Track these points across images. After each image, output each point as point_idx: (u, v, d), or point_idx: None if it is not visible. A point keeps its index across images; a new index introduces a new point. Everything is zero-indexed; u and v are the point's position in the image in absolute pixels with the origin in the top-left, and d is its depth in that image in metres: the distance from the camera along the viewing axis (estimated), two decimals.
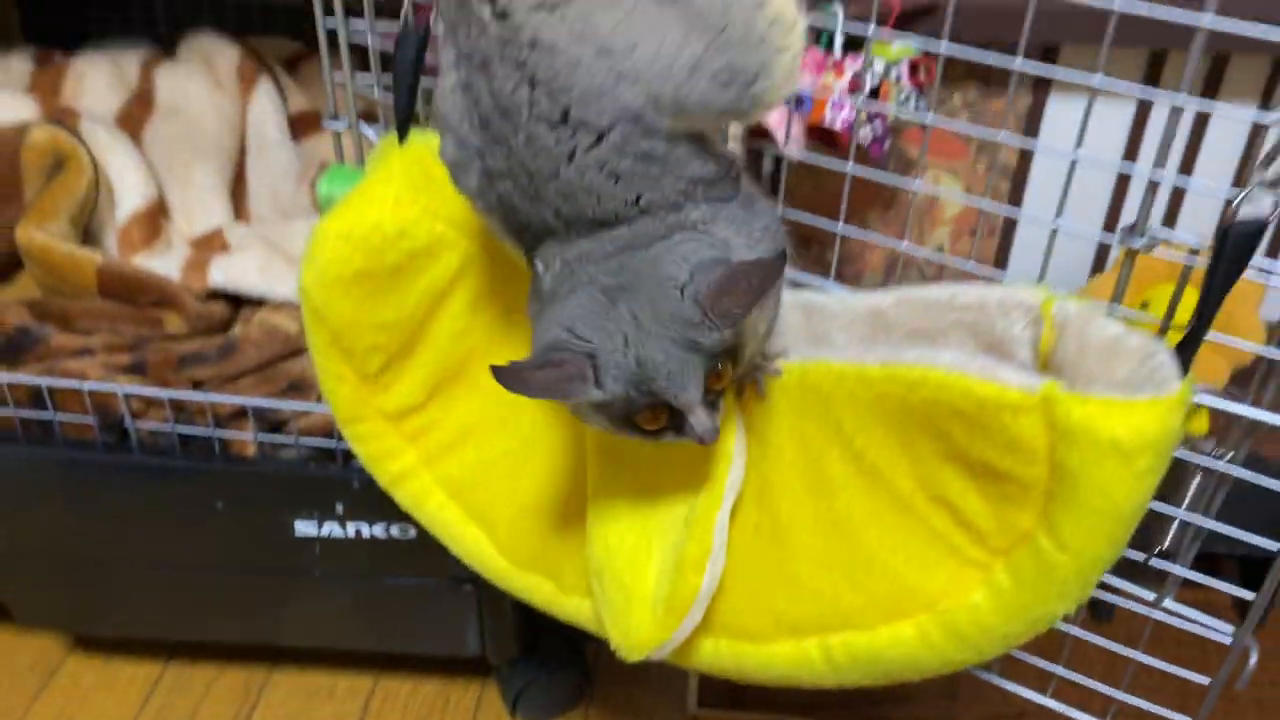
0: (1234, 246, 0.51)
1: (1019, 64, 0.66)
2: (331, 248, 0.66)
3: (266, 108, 1.24)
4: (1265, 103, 1.23)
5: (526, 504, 0.74)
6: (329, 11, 0.76)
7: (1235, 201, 0.49)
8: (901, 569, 0.62)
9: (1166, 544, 0.81)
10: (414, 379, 0.71)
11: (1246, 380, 1.03)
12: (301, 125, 1.27)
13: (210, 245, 1.14)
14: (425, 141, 0.68)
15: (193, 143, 1.22)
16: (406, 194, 0.67)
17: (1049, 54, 1.24)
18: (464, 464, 0.74)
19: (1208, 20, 0.53)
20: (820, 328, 0.70)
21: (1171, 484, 0.58)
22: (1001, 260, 1.39)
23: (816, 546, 0.65)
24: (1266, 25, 0.54)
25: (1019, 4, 1.05)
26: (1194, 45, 0.55)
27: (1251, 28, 0.54)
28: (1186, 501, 0.75)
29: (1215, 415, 1.43)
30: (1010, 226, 1.36)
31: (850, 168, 0.81)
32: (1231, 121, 1.23)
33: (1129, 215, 1.32)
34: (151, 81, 1.25)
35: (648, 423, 0.57)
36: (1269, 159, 0.50)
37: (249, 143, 1.25)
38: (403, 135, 0.69)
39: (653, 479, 0.68)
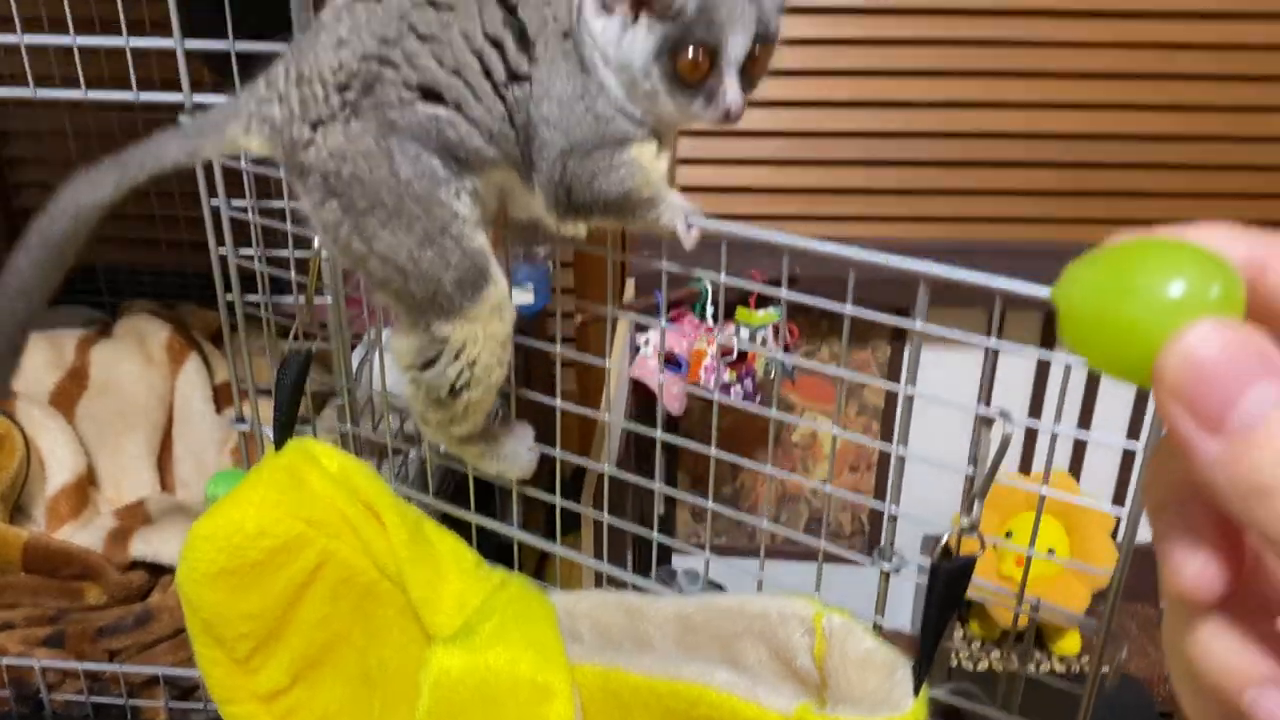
0: (945, 584, 0.58)
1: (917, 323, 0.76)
2: (198, 548, 0.74)
3: (194, 381, 1.36)
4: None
5: None
6: (228, 286, 0.87)
7: (939, 545, 0.58)
8: None
9: None
10: (280, 663, 0.78)
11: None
12: (225, 395, 1.38)
13: (134, 515, 1.23)
14: (299, 447, 0.78)
15: (123, 415, 1.32)
16: (271, 496, 0.76)
17: (901, 312, 1.37)
18: None
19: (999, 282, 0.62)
20: (641, 628, 0.77)
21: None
22: (880, 492, 1.49)
23: None
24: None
25: (873, 275, 1.19)
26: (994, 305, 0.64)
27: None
28: None
29: (1085, 636, 1.50)
30: (885, 461, 1.47)
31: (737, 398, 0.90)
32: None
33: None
34: (87, 359, 1.36)
35: (689, 69, 0.60)
36: (969, 504, 0.58)
37: (176, 414, 1.36)
38: (280, 445, 0.79)
39: None
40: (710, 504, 0.76)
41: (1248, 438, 0.27)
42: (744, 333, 1.30)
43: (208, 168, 0.80)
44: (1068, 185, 1.65)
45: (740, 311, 1.36)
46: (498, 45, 0.63)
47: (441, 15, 0.63)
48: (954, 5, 1.55)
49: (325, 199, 0.66)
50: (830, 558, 0.73)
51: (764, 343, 1.34)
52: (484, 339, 0.69)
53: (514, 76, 0.64)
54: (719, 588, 1.49)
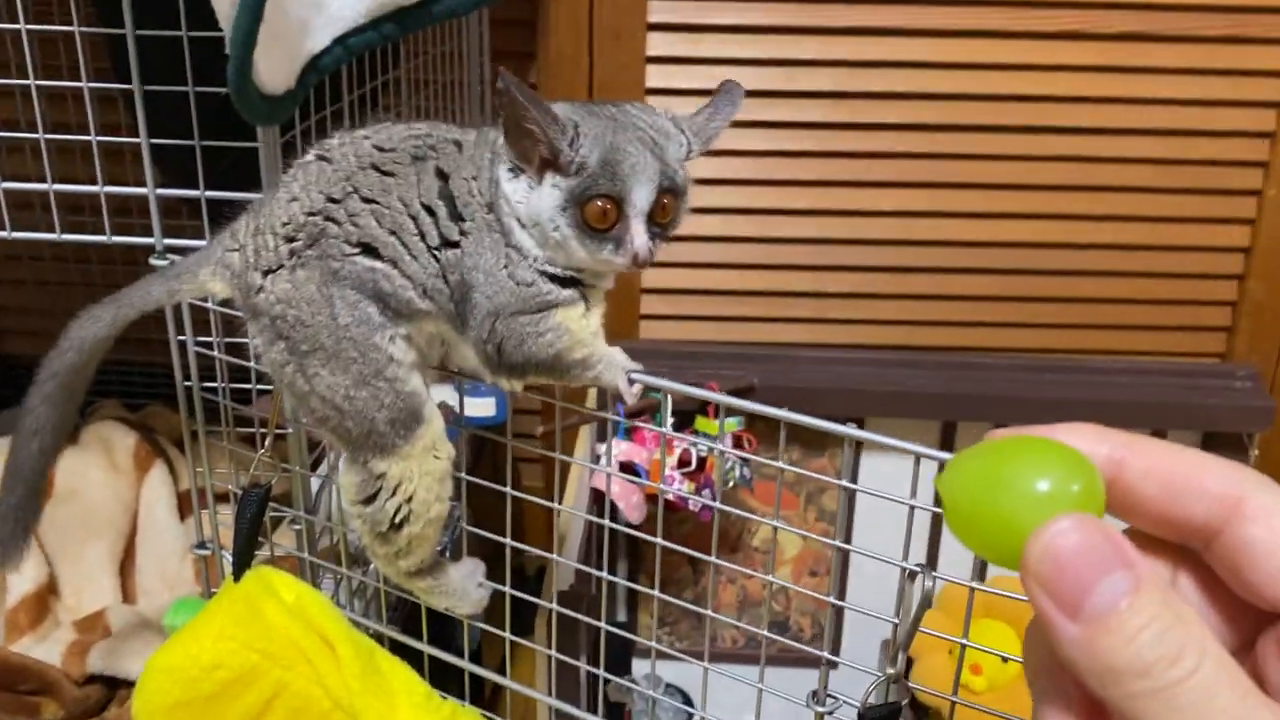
0: None
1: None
2: (154, 680, 0.76)
3: (159, 490, 1.37)
4: None
5: None
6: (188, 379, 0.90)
7: (866, 692, 0.61)
8: None
9: None
10: None
11: None
12: (190, 503, 1.39)
13: (93, 628, 1.23)
14: (257, 578, 0.80)
15: (87, 524, 1.33)
16: (228, 628, 0.78)
17: (856, 422, 1.41)
18: None
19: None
20: None
21: None
22: (841, 594, 1.51)
23: None
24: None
25: (827, 386, 1.22)
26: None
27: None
28: None
29: None
30: (845, 566, 1.49)
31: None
32: None
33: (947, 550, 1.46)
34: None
35: (597, 218, 0.65)
36: (893, 656, 0.60)
37: (140, 522, 1.37)
38: (238, 576, 0.81)
39: None
40: (658, 593, 0.78)
41: (1101, 623, 0.30)
42: (703, 444, 1.33)
43: (175, 305, 0.83)
44: (1014, 291, 1.71)
45: (699, 420, 1.40)
46: (432, 213, 0.69)
47: (384, 180, 0.69)
48: (906, 120, 1.62)
49: (274, 340, 0.71)
50: (778, 660, 0.75)
51: (722, 454, 1.37)
52: (419, 475, 0.72)
53: (446, 242, 0.69)
54: (681, 693, 1.50)
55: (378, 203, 0.69)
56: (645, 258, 0.66)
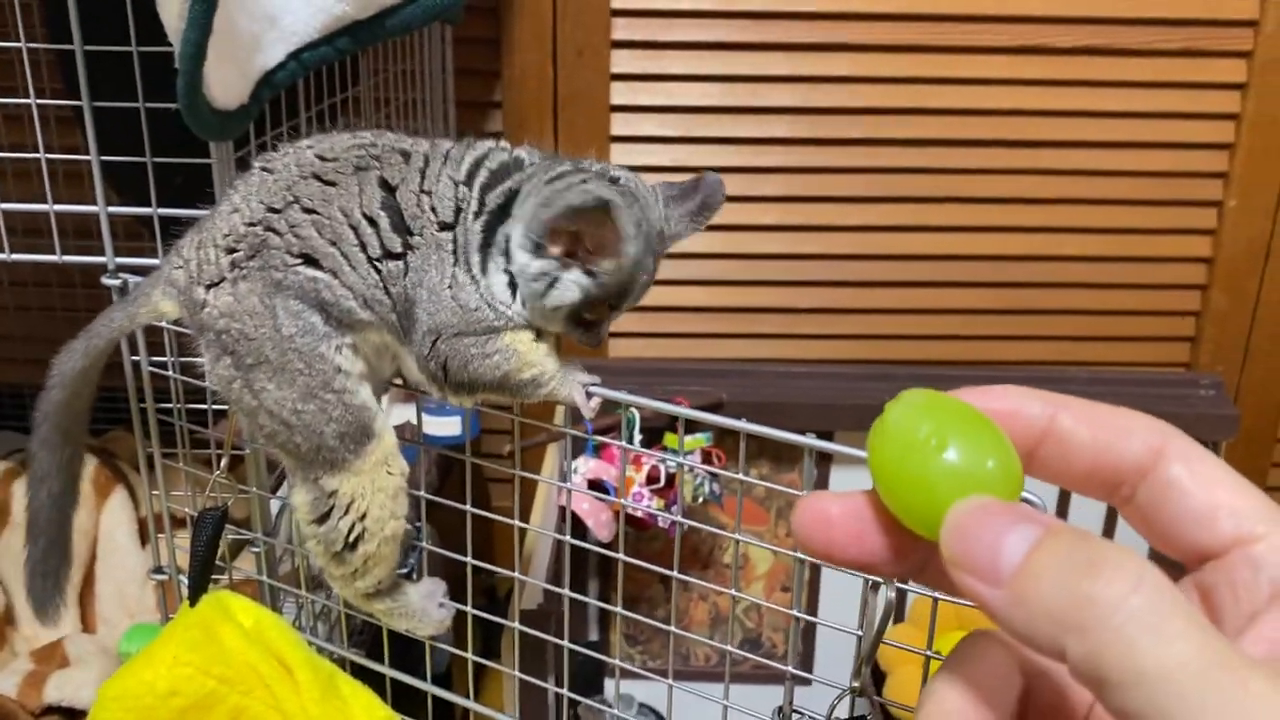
0: None
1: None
2: (108, 709, 0.74)
3: (119, 516, 1.34)
4: None
5: None
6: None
7: (831, 706, 0.60)
8: None
9: None
10: None
11: None
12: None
13: (51, 658, 1.20)
14: (214, 602, 0.78)
15: None
16: (183, 654, 0.76)
17: (825, 436, 1.41)
18: None
19: None
20: None
21: None
22: (812, 610, 1.50)
23: None
24: None
25: (796, 401, 1.21)
26: None
27: None
28: None
29: None
30: (816, 580, 1.49)
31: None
32: None
33: None
34: (9, 493, 1.35)
35: (594, 313, 0.67)
36: (857, 669, 0.60)
37: (100, 548, 1.34)
38: (194, 601, 0.80)
39: None
40: (621, 609, 0.77)
41: (1019, 574, 0.29)
42: (671, 461, 1.32)
43: None
44: (979, 304, 1.71)
45: (668, 437, 1.39)
46: (373, 223, 0.68)
47: (325, 190, 0.68)
48: (870, 135, 1.62)
49: (220, 356, 0.70)
50: (751, 678, 0.74)
51: (691, 469, 1.37)
52: (372, 492, 0.71)
53: (387, 253, 0.68)
54: (655, 713, 1.49)
55: (318, 213, 0.68)
56: (596, 344, 0.69)
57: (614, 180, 0.66)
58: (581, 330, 0.68)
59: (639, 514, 1.31)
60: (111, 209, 0.80)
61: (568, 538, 0.75)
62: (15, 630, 1.26)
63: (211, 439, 0.85)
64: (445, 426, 1.24)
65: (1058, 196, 1.68)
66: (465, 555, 0.78)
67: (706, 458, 1.36)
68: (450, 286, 0.67)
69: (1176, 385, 1.57)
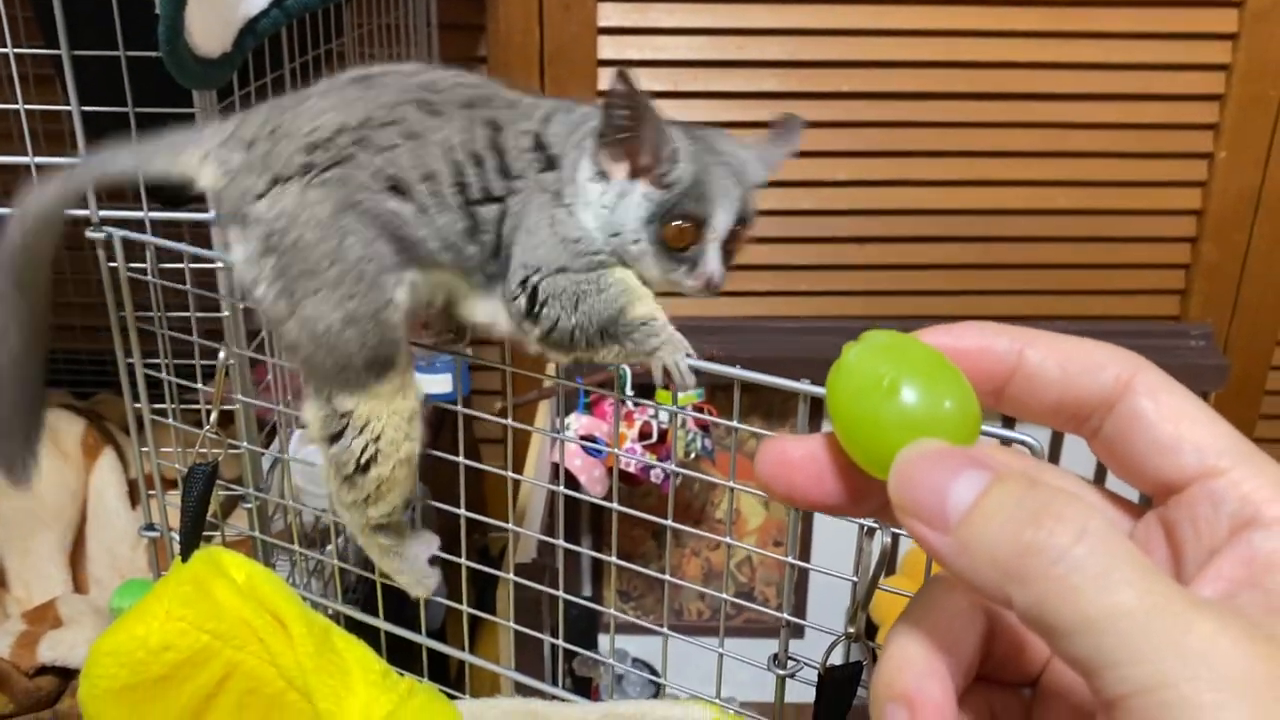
0: (833, 691, 0.60)
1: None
2: (101, 664, 0.74)
3: (108, 477, 1.34)
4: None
5: None
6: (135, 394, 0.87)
7: (826, 652, 0.60)
8: None
9: None
10: None
11: None
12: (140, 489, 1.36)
13: (44, 618, 1.20)
14: (206, 558, 0.78)
15: (35, 514, 1.30)
16: (176, 609, 0.75)
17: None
18: None
19: None
20: None
21: None
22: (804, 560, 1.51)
23: None
24: None
25: (789, 356, 1.20)
26: None
27: None
28: None
29: None
30: (808, 533, 1.49)
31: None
32: None
33: None
34: None
35: (676, 237, 0.63)
36: (852, 615, 0.59)
37: (90, 511, 1.34)
38: (186, 556, 0.79)
39: None
40: (613, 559, 0.77)
41: (966, 519, 0.29)
42: (663, 414, 1.32)
43: (114, 278, 0.81)
44: (972, 259, 1.71)
45: (660, 393, 1.38)
46: (478, 163, 0.65)
47: (428, 120, 0.65)
48: (858, 89, 1.61)
49: (263, 254, 0.66)
50: (745, 631, 0.74)
51: (684, 424, 1.36)
52: (388, 415, 0.69)
53: (488, 196, 0.65)
54: (649, 667, 1.50)
55: (418, 140, 0.64)
56: (717, 283, 0.64)
57: None
58: (683, 266, 0.64)
59: (631, 468, 1.31)
60: (84, 108, 0.79)
61: (561, 488, 0.75)
62: (7, 592, 1.26)
63: (200, 394, 0.85)
64: (437, 385, 1.23)
65: (1046, 149, 1.67)
66: (459, 520, 0.78)
67: (698, 411, 1.36)
68: (551, 224, 0.64)
69: (1166, 336, 1.58)
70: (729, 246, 0.65)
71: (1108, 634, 0.26)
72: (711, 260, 0.64)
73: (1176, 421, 0.32)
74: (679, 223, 0.63)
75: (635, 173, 0.63)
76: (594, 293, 0.64)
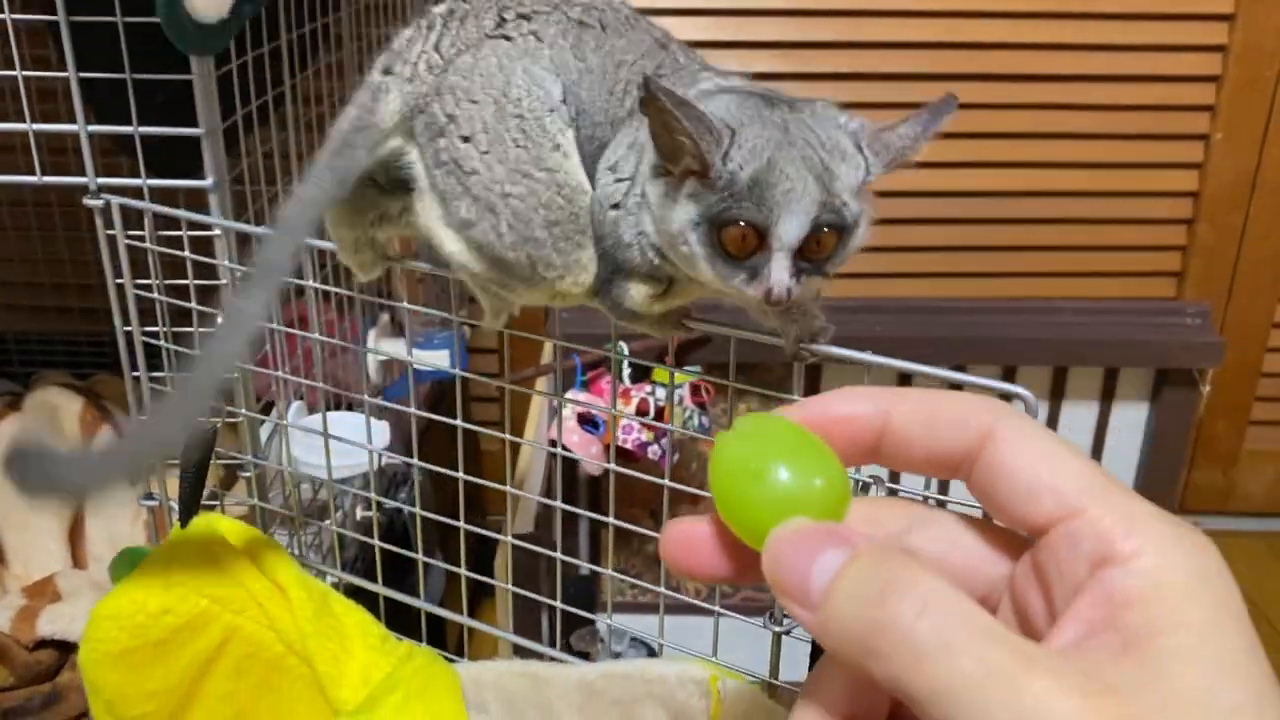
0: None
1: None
2: (101, 628, 0.74)
3: None
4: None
5: None
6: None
7: None
8: None
9: None
10: None
11: None
12: None
13: (43, 593, 1.20)
14: (204, 524, 0.78)
15: None
16: (175, 574, 0.76)
17: (815, 369, 1.41)
18: None
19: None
20: (545, 697, 0.78)
21: None
22: None
23: None
24: None
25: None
26: None
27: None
28: None
29: None
30: None
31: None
32: None
33: None
34: None
35: (734, 244, 0.54)
36: None
37: None
38: (185, 523, 0.79)
39: None
40: (612, 519, 0.77)
41: (824, 599, 0.32)
42: (660, 392, 1.32)
43: (112, 246, 0.81)
44: (970, 241, 1.71)
45: (657, 371, 1.39)
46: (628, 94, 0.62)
47: (620, 30, 0.63)
48: (854, 69, 1.61)
49: (437, 135, 0.62)
50: (743, 608, 0.75)
51: (681, 401, 1.37)
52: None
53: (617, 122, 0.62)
54: (646, 645, 1.50)
55: (604, 34, 0.62)
56: (780, 295, 0.54)
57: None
58: (742, 274, 0.55)
59: (629, 445, 1.31)
60: (91, 128, 0.79)
61: (558, 450, 0.75)
62: (6, 569, 1.26)
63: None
64: (434, 359, 1.23)
65: (1042, 131, 1.68)
66: (457, 496, 0.78)
67: (695, 390, 1.37)
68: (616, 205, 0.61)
69: (1163, 314, 1.58)
70: (810, 255, 0.55)
71: (953, 703, 0.28)
72: (776, 271, 0.54)
73: (1035, 467, 0.33)
74: (735, 228, 0.54)
75: (687, 173, 0.55)
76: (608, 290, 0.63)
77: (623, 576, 0.76)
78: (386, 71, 0.64)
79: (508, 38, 0.61)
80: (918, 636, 0.29)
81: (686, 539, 0.38)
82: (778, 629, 0.66)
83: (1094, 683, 0.28)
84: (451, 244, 0.64)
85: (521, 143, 0.60)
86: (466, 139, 0.61)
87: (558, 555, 0.76)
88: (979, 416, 0.34)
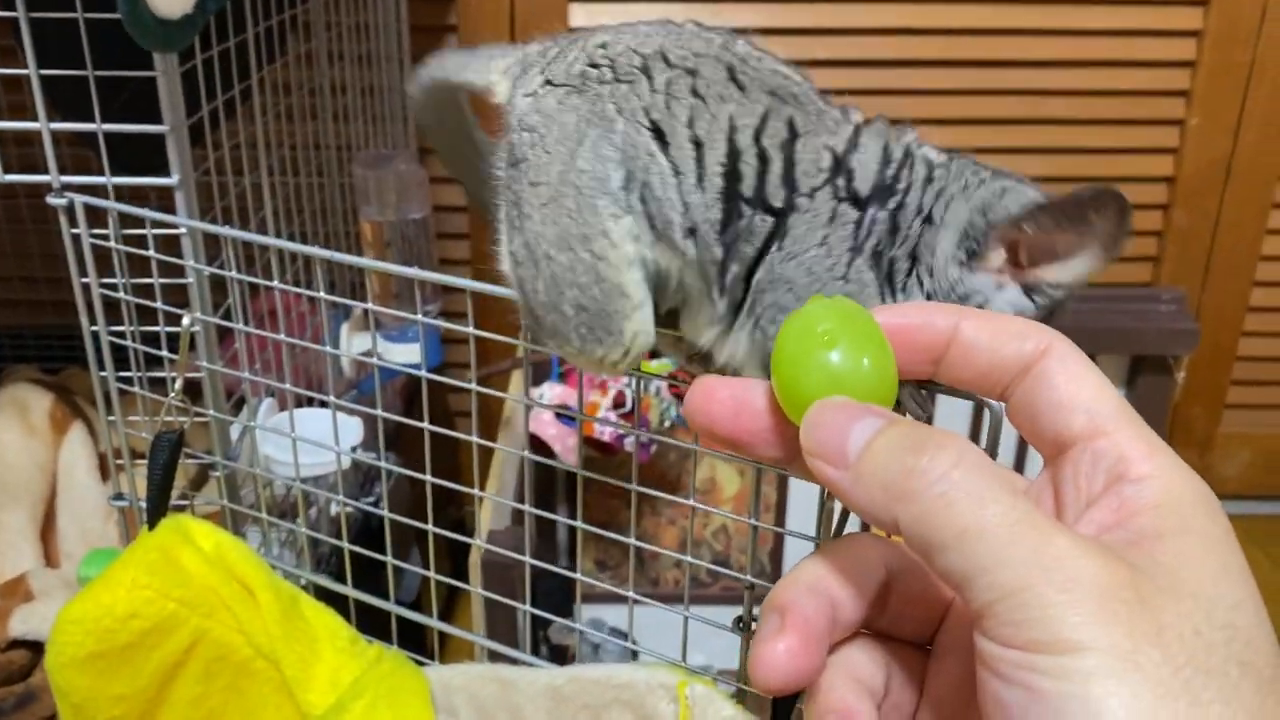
0: None
1: None
2: (67, 633, 0.74)
3: (77, 451, 1.33)
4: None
5: None
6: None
7: None
8: None
9: None
10: None
11: None
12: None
13: (14, 593, 1.19)
14: (173, 526, 0.77)
15: (3, 488, 1.29)
16: (142, 577, 0.75)
17: None
18: None
19: None
20: (514, 701, 0.78)
21: None
22: (781, 522, 1.52)
23: None
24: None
25: None
26: None
27: None
28: None
29: None
30: (784, 500, 1.50)
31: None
32: None
33: None
34: None
35: None
36: None
37: (60, 485, 1.33)
38: (153, 525, 0.79)
39: None
40: (580, 524, 0.77)
41: (861, 455, 0.34)
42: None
43: (76, 245, 0.80)
44: None
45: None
46: (763, 161, 0.55)
47: (729, 88, 0.56)
48: (834, 56, 1.61)
49: (515, 162, 0.60)
50: (721, 599, 0.75)
51: (658, 392, 1.37)
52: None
53: (762, 203, 0.55)
54: (624, 636, 1.50)
55: (706, 102, 0.56)
56: None
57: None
58: None
59: (606, 437, 1.31)
60: (54, 125, 0.78)
61: (528, 455, 0.75)
62: None
63: (166, 363, 0.84)
64: (406, 354, 1.22)
65: (1018, 117, 1.68)
66: (430, 488, 0.78)
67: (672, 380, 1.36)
68: (843, 279, 0.53)
69: (1138, 300, 1.58)
70: None
71: (978, 544, 0.30)
72: None
73: (1076, 386, 0.36)
74: None
75: (1014, 267, 0.53)
76: None
77: (593, 581, 0.75)
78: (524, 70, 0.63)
79: (588, 94, 0.58)
80: (952, 480, 0.31)
81: (710, 394, 0.40)
82: (745, 634, 0.66)
83: (1113, 555, 0.30)
84: (504, 263, 0.62)
85: (574, 214, 0.57)
86: (534, 184, 0.59)
87: (527, 559, 0.75)
88: (1039, 333, 0.37)
